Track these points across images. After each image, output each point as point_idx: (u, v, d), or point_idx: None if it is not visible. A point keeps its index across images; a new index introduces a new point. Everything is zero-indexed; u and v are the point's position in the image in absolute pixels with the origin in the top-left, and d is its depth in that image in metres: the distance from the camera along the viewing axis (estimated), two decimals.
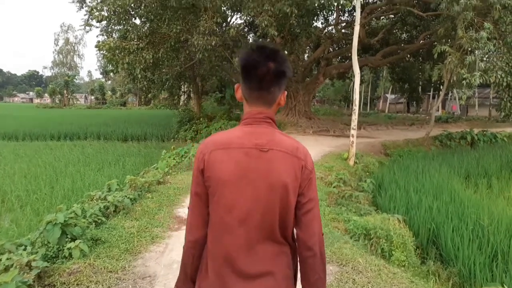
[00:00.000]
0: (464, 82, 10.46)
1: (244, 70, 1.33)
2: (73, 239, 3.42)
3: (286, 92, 1.42)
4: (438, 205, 5.77)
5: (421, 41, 18.96)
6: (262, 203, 1.27)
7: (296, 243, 1.38)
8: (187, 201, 5.74)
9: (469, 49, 11.70)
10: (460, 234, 4.74)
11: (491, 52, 11.26)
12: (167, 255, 3.62)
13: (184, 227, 4.38)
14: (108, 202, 4.71)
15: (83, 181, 8.56)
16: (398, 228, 4.11)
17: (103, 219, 4.28)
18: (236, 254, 1.29)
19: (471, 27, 10.92)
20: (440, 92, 27.83)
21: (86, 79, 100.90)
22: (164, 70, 16.26)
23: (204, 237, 1.37)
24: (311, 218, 1.34)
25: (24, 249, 3.32)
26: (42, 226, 3.43)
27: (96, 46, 11.96)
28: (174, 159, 9.37)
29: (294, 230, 1.38)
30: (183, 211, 4.98)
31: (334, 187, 5.75)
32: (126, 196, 4.99)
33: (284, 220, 1.31)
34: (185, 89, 24.72)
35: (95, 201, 5.15)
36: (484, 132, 15.82)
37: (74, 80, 66.86)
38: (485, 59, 11.73)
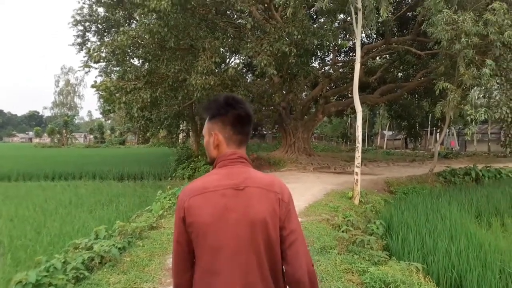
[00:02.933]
0: (468, 118, 10.25)
1: (236, 118, 1.43)
2: None
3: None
4: (456, 249, 5.28)
5: (419, 79, 19.08)
6: (246, 241, 1.30)
7: (285, 278, 1.38)
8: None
9: (470, 85, 11.66)
10: (487, 284, 4.25)
11: (494, 88, 11.17)
12: None
13: None
14: (94, 252, 4.23)
15: (72, 224, 8.03)
16: (422, 281, 3.62)
17: (86, 273, 3.79)
18: None
19: (471, 64, 10.88)
20: (441, 128, 27.97)
21: (86, 118, 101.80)
22: (162, 110, 16.13)
23: (189, 280, 1.40)
24: (296, 250, 1.36)
25: None
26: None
27: (92, 86, 11.86)
28: (169, 199, 8.89)
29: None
30: None
31: (343, 231, 5.29)
32: (114, 245, 4.51)
33: (271, 257, 1.33)
34: (184, 128, 24.59)
35: (79, 250, 4.66)
36: (488, 168, 15.49)
37: (74, 120, 67.24)
38: (487, 95, 11.64)
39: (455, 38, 10.58)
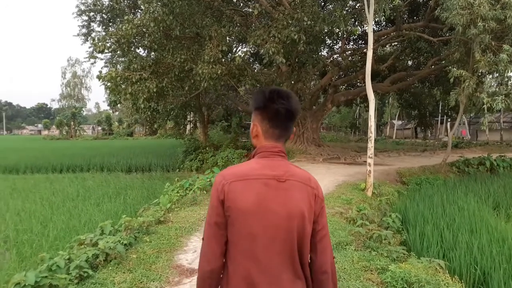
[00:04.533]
0: (484, 106, 9.87)
1: (276, 113, 1.44)
2: None
3: (294, 129, 1.54)
4: (478, 244, 5.01)
5: (431, 67, 18.55)
6: (283, 231, 1.33)
7: (311, 267, 1.43)
8: (190, 244, 5.05)
9: (486, 72, 11.22)
10: None
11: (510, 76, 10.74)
12: None
13: (186, 280, 3.66)
14: (98, 249, 4.05)
15: (79, 218, 7.91)
16: (449, 281, 3.36)
17: (90, 272, 3.60)
18: (259, 280, 1.32)
19: (487, 51, 10.44)
20: (452, 117, 27.39)
21: (94, 110, 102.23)
22: (169, 100, 15.91)
23: (221, 267, 1.40)
24: (326, 244, 1.44)
25: None
26: None
27: (98, 77, 11.61)
28: (177, 192, 8.71)
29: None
30: (185, 258, 4.29)
31: (358, 225, 5.04)
32: (119, 241, 4.33)
33: (301, 248, 1.37)
34: (191, 119, 24.42)
35: (85, 246, 4.49)
36: (503, 158, 15.06)
37: (82, 112, 67.38)
38: (503, 82, 11.22)
39: (470, 23, 10.15)
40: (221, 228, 1.37)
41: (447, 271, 4.00)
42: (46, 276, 2.91)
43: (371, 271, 3.70)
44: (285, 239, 1.32)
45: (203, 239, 1.43)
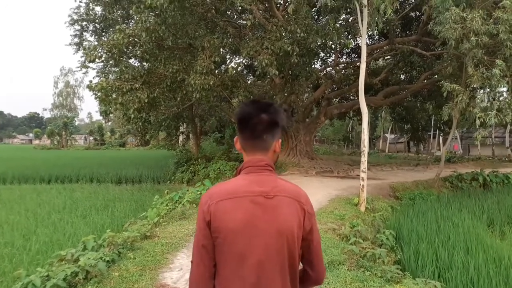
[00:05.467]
0: (478, 121, 9.85)
1: (239, 122, 1.43)
2: None
3: (280, 140, 1.47)
4: (475, 264, 4.86)
5: (423, 81, 18.67)
6: (272, 250, 1.29)
7: (306, 280, 1.44)
8: (176, 261, 4.82)
9: (478, 87, 11.25)
10: None
11: (502, 90, 10.79)
12: None
13: None
14: (78, 266, 3.82)
15: (64, 231, 7.64)
16: None
17: None
18: None
19: (480, 65, 10.48)
20: (445, 131, 27.52)
21: (87, 120, 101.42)
22: (161, 111, 15.74)
23: None
24: (320, 257, 1.44)
25: None
26: None
27: (88, 87, 11.43)
28: (166, 205, 8.48)
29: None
30: (170, 276, 4.08)
31: (351, 243, 4.87)
32: (101, 257, 4.11)
33: (291, 267, 1.33)
34: (184, 130, 24.23)
35: (65, 262, 4.26)
36: (495, 173, 15.06)
37: (73, 121, 66.86)
38: (496, 98, 11.24)
39: (463, 37, 10.20)
40: (209, 251, 1.33)
41: None
42: None
43: None
44: (275, 259, 1.29)
45: (191, 262, 1.39)
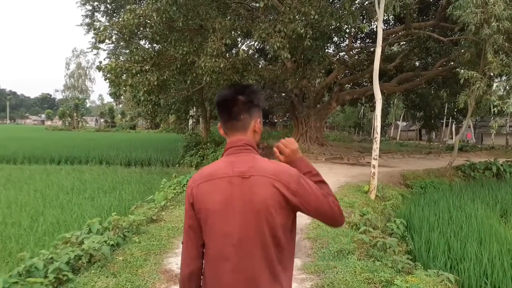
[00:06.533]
0: (495, 109, 9.52)
1: (218, 106, 1.48)
2: None
3: (259, 119, 1.49)
4: (488, 256, 4.70)
5: (439, 68, 18.14)
6: (251, 230, 1.31)
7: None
8: (181, 246, 4.78)
9: (496, 75, 10.87)
10: None
11: None
12: None
13: (174, 287, 3.37)
14: (82, 250, 3.77)
15: (71, 213, 7.65)
16: None
17: (70, 275, 3.32)
18: (233, 281, 1.31)
19: (500, 52, 10.08)
20: (458, 120, 26.95)
21: (98, 102, 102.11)
22: (170, 94, 15.60)
23: (200, 269, 1.42)
24: (328, 215, 1.37)
25: None
26: None
27: (97, 67, 11.32)
28: (174, 189, 8.44)
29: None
30: (175, 262, 4.00)
31: (361, 232, 4.74)
32: (106, 241, 4.05)
33: (275, 245, 1.33)
34: (193, 113, 24.11)
35: (70, 245, 4.21)
36: (509, 163, 14.70)
37: (85, 103, 67.24)
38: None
39: (484, 22, 9.79)
40: (195, 231, 1.39)
41: (456, 285, 3.70)
42: (16, 282, 2.62)
43: (374, 284, 3.40)
44: (254, 238, 1.31)
45: (182, 243, 1.45)
